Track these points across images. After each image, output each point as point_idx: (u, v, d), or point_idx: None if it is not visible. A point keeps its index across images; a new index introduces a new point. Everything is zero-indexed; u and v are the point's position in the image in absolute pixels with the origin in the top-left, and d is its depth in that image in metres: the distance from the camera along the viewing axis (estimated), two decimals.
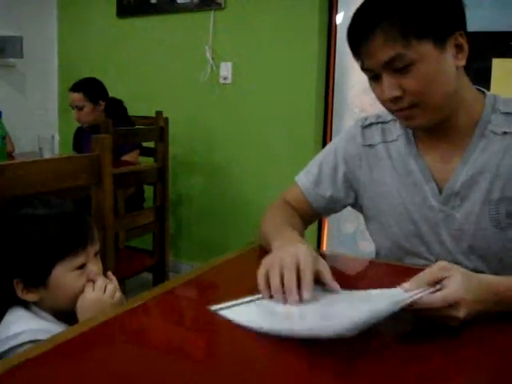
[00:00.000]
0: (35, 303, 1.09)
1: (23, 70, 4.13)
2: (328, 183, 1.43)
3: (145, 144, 3.32)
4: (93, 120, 3.24)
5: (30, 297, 1.08)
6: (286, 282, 0.98)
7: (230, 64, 3.55)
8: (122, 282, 2.77)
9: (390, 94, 1.16)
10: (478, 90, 1.29)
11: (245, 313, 0.93)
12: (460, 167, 1.25)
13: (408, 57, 1.12)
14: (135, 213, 2.88)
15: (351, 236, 3.37)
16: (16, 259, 1.06)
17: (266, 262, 1.05)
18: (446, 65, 1.16)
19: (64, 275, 1.07)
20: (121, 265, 2.63)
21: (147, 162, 3.28)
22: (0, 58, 3.90)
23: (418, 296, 0.88)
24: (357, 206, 1.47)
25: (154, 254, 3.02)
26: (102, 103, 3.26)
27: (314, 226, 3.38)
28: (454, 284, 0.90)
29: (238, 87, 3.55)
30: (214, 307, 0.94)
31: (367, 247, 3.17)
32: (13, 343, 0.99)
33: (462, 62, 1.18)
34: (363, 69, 1.21)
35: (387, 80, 1.16)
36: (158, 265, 2.95)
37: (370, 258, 1.49)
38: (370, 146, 1.38)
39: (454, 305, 0.89)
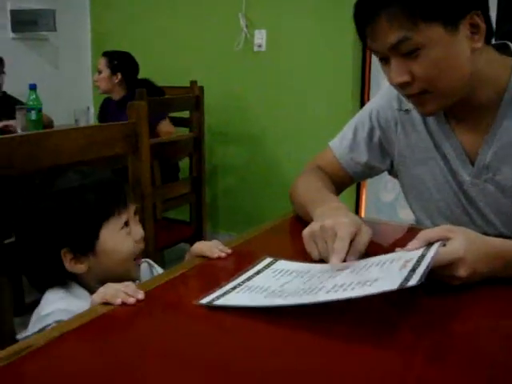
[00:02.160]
0: (78, 280, 1.08)
1: (56, 43, 4.13)
2: (363, 148, 1.39)
3: (179, 114, 3.30)
4: (107, 89, 3.34)
5: (79, 268, 1.06)
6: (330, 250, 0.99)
7: (264, 31, 3.50)
8: (160, 253, 2.82)
9: (397, 79, 1.10)
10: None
11: (243, 297, 0.89)
12: (490, 139, 1.19)
13: (415, 40, 1.05)
14: (172, 183, 2.87)
15: (390, 204, 3.31)
16: (61, 230, 1.04)
17: (311, 229, 1.04)
18: (458, 48, 1.08)
19: (111, 236, 1.06)
20: (159, 235, 2.64)
21: (182, 132, 3.26)
22: (33, 32, 3.90)
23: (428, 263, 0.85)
24: (393, 172, 1.42)
25: (191, 224, 3.01)
26: (119, 76, 3.29)
27: (351, 195, 3.33)
28: (455, 243, 0.91)
29: (273, 55, 3.50)
30: (202, 301, 0.87)
31: (407, 216, 3.09)
32: (40, 325, 0.98)
33: (479, 44, 1.09)
34: (371, 50, 1.15)
35: (395, 64, 1.09)
36: (195, 235, 2.93)
37: (409, 224, 1.45)
38: (406, 111, 1.31)
39: (454, 264, 0.89)
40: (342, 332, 0.78)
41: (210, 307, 0.85)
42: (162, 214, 2.89)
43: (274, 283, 0.93)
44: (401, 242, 1.00)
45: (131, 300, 0.86)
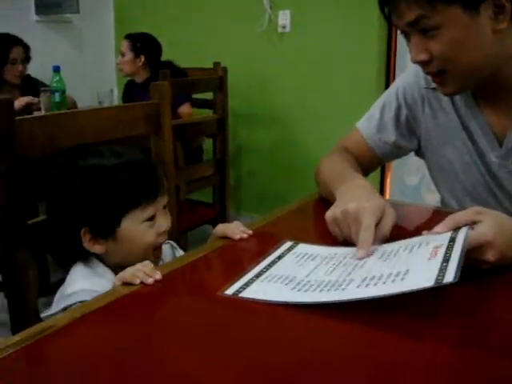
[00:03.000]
0: (99, 257, 1.08)
1: (79, 26, 4.14)
2: (391, 128, 1.36)
3: (203, 96, 3.28)
4: (130, 71, 3.33)
5: (97, 248, 1.06)
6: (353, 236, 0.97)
7: (288, 12, 3.46)
8: (183, 235, 2.83)
9: (416, 57, 1.08)
10: None
11: (269, 288, 0.86)
12: None
13: (433, 20, 1.02)
14: (195, 165, 2.86)
15: (415, 188, 3.28)
16: (85, 208, 1.04)
17: (334, 214, 1.02)
18: (478, 30, 1.04)
19: (133, 227, 1.05)
20: (182, 217, 2.65)
21: (206, 114, 3.25)
22: (57, 14, 3.91)
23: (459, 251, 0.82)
24: (420, 152, 1.39)
25: (214, 206, 3.00)
26: (142, 59, 3.28)
27: (376, 178, 3.30)
28: (483, 227, 0.88)
29: (297, 36, 3.46)
30: (227, 292, 0.85)
31: (433, 199, 3.08)
32: (64, 304, 0.98)
33: (503, 25, 1.04)
34: (393, 25, 1.13)
35: (414, 42, 1.08)
36: (218, 217, 2.93)
37: (435, 206, 1.42)
38: (434, 89, 1.28)
39: (482, 248, 0.87)
40: (373, 319, 0.76)
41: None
42: (185, 196, 2.90)
43: (298, 272, 0.90)
44: (427, 225, 0.98)
45: (150, 280, 0.86)
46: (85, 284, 1.01)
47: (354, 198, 1.01)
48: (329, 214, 1.04)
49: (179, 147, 2.77)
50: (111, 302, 0.82)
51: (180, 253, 1.22)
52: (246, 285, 0.87)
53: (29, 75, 3.29)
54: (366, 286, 0.80)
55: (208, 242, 1.11)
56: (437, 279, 0.75)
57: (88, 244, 1.05)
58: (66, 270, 1.09)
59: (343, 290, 0.81)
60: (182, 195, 2.84)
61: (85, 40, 4.20)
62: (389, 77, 3.23)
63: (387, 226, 0.97)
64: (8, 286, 1.10)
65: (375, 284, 0.80)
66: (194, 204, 3.14)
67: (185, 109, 3.19)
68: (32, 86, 3.20)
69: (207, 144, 3.33)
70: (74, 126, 1.19)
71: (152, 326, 0.76)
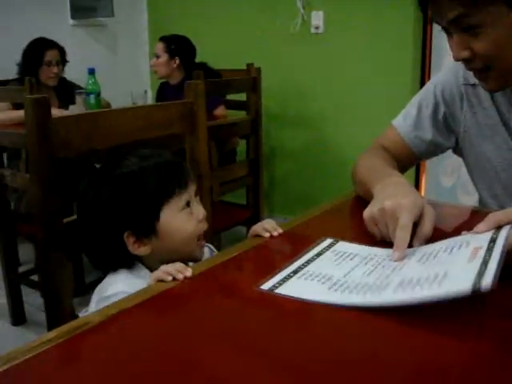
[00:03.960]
0: (143, 261, 1.07)
1: (114, 29, 4.18)
2: (428, 125, 1.33)
3: (236, 97, 3.28)
4: (165, 73, 3.35)
5: (143, 250, 1.05)
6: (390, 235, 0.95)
7: (321, 13, 3.44)
8: (217, 236, 2.83)
9: (458, 55, 1.06)
10: None
11: (305, 286, 0.85)
12: None
13: (475, 18, 1.00)
14: (229, 166, 2.86)
15: (450, 189, 3.22)
16: (121, 214, 1.04)
17: (371, 212, 1.00)
18: None
19: (173, 217, 1.05)
20: (216, 218, 2.64)
21: (239, 115, 3.25)
22: (92, 18, 3.95)
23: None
24: (458, 149, 1.37)
25: (248, 207, 3.00)
26: (177, 61, 3.29)
27: (411, 178, 3.25)
28: None
29: (330, 37, 3.44)
30: (263, 286, 0.84)
31: (468, 201, 3.02)
32: (103, 306, 0.97)
33: None
34: (435, 22, 1.10)
35: (456, 40, 1.05)
36: (252, 218, 2.93)
37: (473, 206, 1.39)
38: (473, 85, 1.25)
39: None
40: (409, 319, 0.74)
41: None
42: (218, 197, 2.90)
43: (336, 271, 0.89)
44: (466, 226, 0.95)
45: (180, 276, 0.87)
46: (123, 287, 1.00)
47: (391, 195, 0.99)
48: (366, 213, 1.02)
49: (213, 148, 2.77)
50: (145, 300, 0.81)
51: None
52: (283, 281, 0.86)
53: (64, 78, 3.33)
54: (403, 289, 0.78)
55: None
56: (474, 285, 0.71)
57: (133, 247, 1.05)
58: (103, 271, 1.09)
59: (380, 293, 0.79)
60: (216, 196, 2.84)
61: (119, 43, 4.24)
62: (424, 77, 3.19)
63: (428, 225, 0.95)
64: (44, 285, 1.10)
65: (412, 288, 0.77)
66: (227, 205, 3.14)
67: (219, 111, 3.20)
68: (67, 88, 3.24)
69: (241, 145, 3.32)
70: (109, 126, 1.19)
71: (186, 323, 0.75)
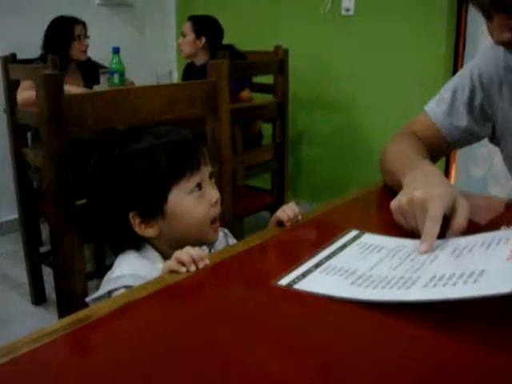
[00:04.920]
0: (152, 242, 1.03)
1: (141, 8, 4.14)
2: (463, 112, 1.26)
3: (263, 80, 3.22)
4: (189, 53, 3.31)
5: (150, 232, 1.01)
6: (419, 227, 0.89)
7: None
8: (239, 221, 2.79)
9: (499, 38, 0.98)
10: None
11: (327, 281, 0.79)
12: None
13: None
14: (253, 150, 2.81)
15: (481, 180, 3.13)
16: (128, 192, 1.00)
17: (399, 203, 0.95)
18: None
19: (181, 199, 1.00)
20: (239, 203, 2.62)
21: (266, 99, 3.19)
22: None
23: None
24: (494, 139, 1.29)
25: (272, 193, 2.95)
26: (203, 40, 3.25)
27: (440, 168, 3.17)
28: None
29: (361, 19, 3.35)
30: (281, 282, 0.79)
31: (499, 193, 2.94)
32: (110, 287, 0.95)
33: None
34: (472, 5, 1.02)
35: (497, 22, 0.97)
36: (276, 204, 2.87)
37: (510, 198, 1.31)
38: None
39: None
40: (441, 319, 0.68)
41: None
42: (243, 181, 2.86)
43: (361, 264, 0.83)
44: (502, 219, 0.89)
45: (193, 268, 0.83)
46: (131, 268, 0.97)
47: (422, 185, 0.93)
48: (394, 203, 0.96)
49: (238, 132, 2.73)
50: (151, 293, 0.76)
51: (233, 241, 1.17)
52: (303, 275, 0.80)
53: (89, 58, 3.31)
54: (434, 285, 0.71)
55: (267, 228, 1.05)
56: None
57: (139, 228, 1.01)
58: (114, 252, 1.06)
59: (407, 288, 0.73)
60: (240, 180, 2.80)
61: (146, 23, 4.20)
62: (457, 63, 3.09)
63: (462, 218, 0.88)
64: (54, 265, 1.07)
65: (444, 285, 0.71)
66: (251, 190, 3.10)
67: (245, 94, 3.15)
68: (92, 69, 3.22)
69: (266, 129, 3.26)
70: (127, 105, 1.14)
71: (198, 317, 0.71)
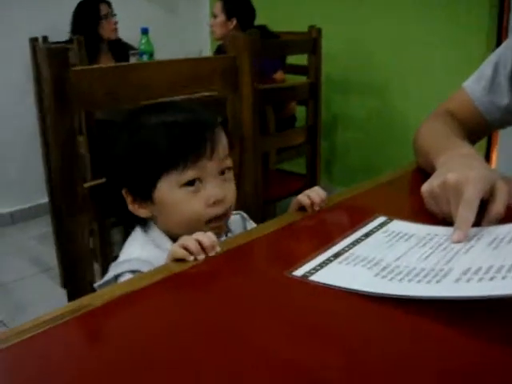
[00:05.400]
0: (154, 222, 0.98)
1: None
2: (505, 89, 1.16)
3: (297, 61, 3.13)
4: (221, 34, 3.23)
5: (142, 212, 0.97)
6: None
7: None
8: (272, 205, 2.72)
9: None
10: None
11: (346, 272, 0.71)
12: None
13: None
14: (285, 132, 2.74)
15: None
16: (124, 168, 0.96)
17: (431, 186, 0.87)
18: None
19: (170, 191, 0.92)
20: (271, 187, 2.56)
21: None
22: None
23: None
24: None
25: (305, 177, 2.87)
26: (234, 21, 3.18)
27: (480, 151, 3.04)
28: None
29: None
30: (296, 273, 0.72)
31: None
32: (115, 271, 0.90)
33: None
34: None
35: None
36: (308, 188, 2.80)
37: None
38: None
39: None
40: (469, 317, 0.61)
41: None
42: (275, 165, 2.79)
43: (387, 254, 0.75)
44: None
45: (202, 257, 0.77)
46: (140, 253, 0.92)
47: (457, 167, 0.85)
48: (425, 187, 0.88)
49: (270, 113, 2.66)
50: (152, 283, 0.71)
51: (252, 225, 1.10)
52: (320, 266, 0.73)
53: (120, 40, 3.29)
54: (468, 280, 0.63)
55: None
56: None
57: (132, 206, 0.97)
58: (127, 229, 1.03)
59: (437, 282, 0.64)
60: (272, 164, 2.73)
61: (179, 3, 4.14)
62: (500, 39, 2.95)
63: (501, 203, 0.79)
64: (61, 250, 1.02)
65: (480, 279, 0.62)
66: (285, 174, 3.03)
67: (279, 75, 3.09)
68: (122, 50, 3.21)
69: (300, 112, 3.18)
70: (141, 80, 1.08)
71: (204, 308, 0.66)
